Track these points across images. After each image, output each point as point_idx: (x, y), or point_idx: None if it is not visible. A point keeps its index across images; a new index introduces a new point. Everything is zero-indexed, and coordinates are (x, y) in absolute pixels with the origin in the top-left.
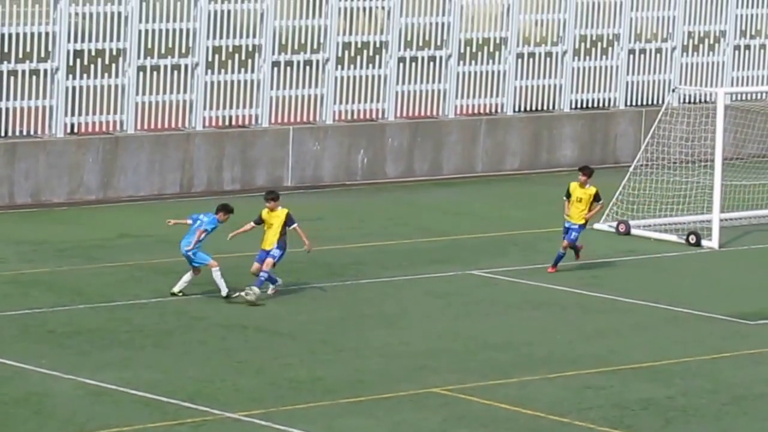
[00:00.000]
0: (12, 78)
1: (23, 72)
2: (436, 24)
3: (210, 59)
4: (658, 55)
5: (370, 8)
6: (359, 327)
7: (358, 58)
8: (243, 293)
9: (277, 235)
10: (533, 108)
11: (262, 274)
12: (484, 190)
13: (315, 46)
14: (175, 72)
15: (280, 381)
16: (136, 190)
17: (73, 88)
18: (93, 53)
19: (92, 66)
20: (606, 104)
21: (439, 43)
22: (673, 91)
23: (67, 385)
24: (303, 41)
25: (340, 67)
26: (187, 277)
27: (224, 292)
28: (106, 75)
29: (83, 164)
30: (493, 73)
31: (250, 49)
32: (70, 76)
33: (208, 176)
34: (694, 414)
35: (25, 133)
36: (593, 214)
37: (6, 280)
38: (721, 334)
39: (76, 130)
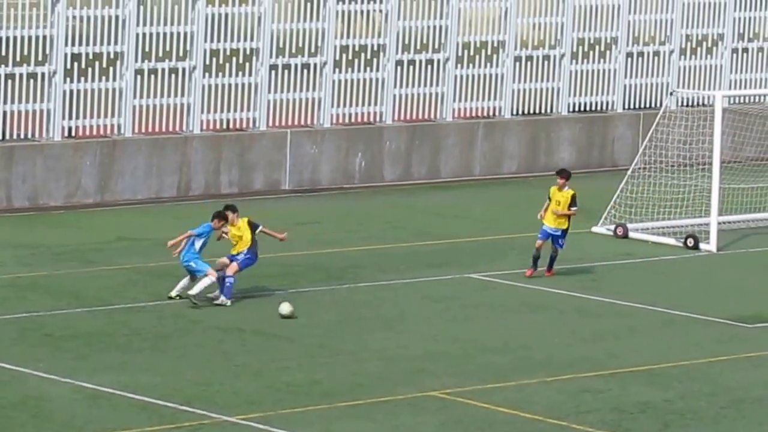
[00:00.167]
0: (9, 81)
1: (21, 75)
2: (434, 27)
3: (207, 62)
4: (656, 58)
5: (368, 11)
6: (357, 330)
7: (356, 61)
8: (212, 296)
9: (248, 243)
10: (531, 111)
11: (227, 279)
12: (482, 194)
13: (312, 50)
14: (173, 75)
15: (277, 384)
16: (133, 194)
17: (71, 91)
18: (90, 57)
19: (90, 69)
20: (604, 107)
21: (436, 47)
22: (671, 94)
23: (64, 388)
24: (300, 44)
25: (337, 70)
26: (185, 282)
27: (194, 291)
28: (103, 78)
29: (81, 168)
30: (490, 76)
31: (248, 52)
32: (68, 80)
33: (205, 179)
34: (692, 417)
35: (22, 136)
36: (565, 214)
37: (3, 283)
38: (719, 337)
39: (73, 133)
